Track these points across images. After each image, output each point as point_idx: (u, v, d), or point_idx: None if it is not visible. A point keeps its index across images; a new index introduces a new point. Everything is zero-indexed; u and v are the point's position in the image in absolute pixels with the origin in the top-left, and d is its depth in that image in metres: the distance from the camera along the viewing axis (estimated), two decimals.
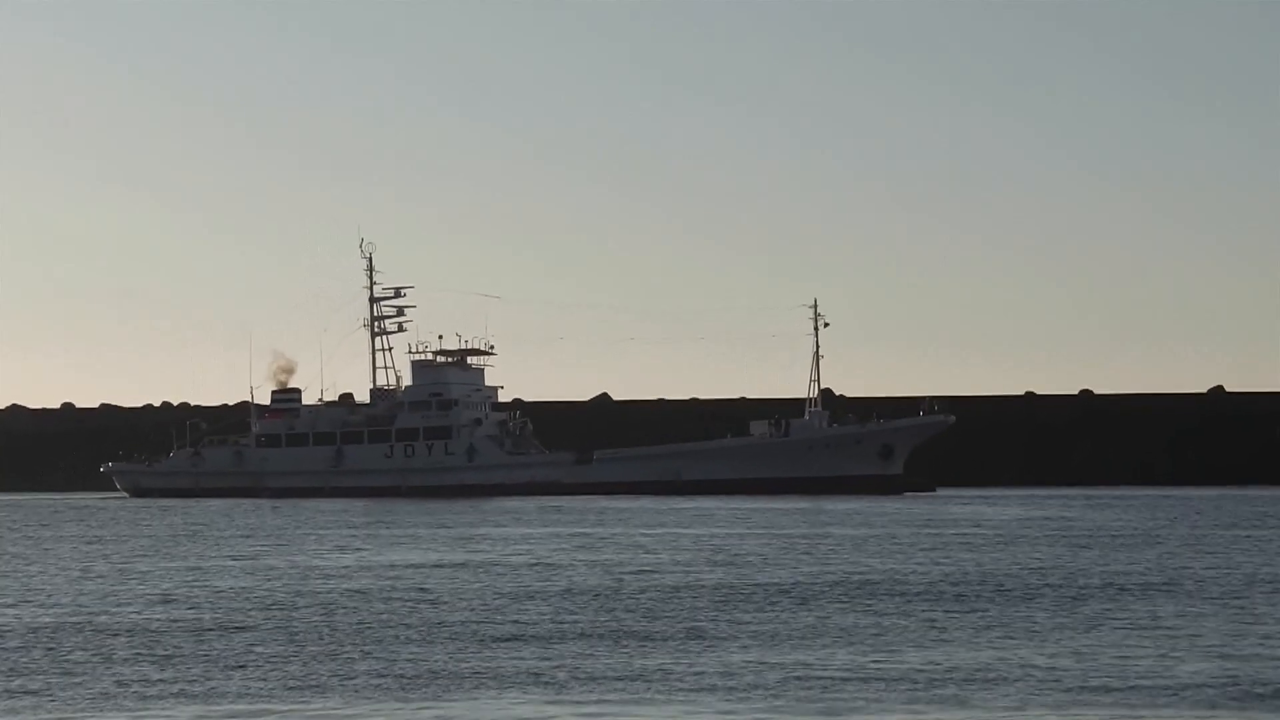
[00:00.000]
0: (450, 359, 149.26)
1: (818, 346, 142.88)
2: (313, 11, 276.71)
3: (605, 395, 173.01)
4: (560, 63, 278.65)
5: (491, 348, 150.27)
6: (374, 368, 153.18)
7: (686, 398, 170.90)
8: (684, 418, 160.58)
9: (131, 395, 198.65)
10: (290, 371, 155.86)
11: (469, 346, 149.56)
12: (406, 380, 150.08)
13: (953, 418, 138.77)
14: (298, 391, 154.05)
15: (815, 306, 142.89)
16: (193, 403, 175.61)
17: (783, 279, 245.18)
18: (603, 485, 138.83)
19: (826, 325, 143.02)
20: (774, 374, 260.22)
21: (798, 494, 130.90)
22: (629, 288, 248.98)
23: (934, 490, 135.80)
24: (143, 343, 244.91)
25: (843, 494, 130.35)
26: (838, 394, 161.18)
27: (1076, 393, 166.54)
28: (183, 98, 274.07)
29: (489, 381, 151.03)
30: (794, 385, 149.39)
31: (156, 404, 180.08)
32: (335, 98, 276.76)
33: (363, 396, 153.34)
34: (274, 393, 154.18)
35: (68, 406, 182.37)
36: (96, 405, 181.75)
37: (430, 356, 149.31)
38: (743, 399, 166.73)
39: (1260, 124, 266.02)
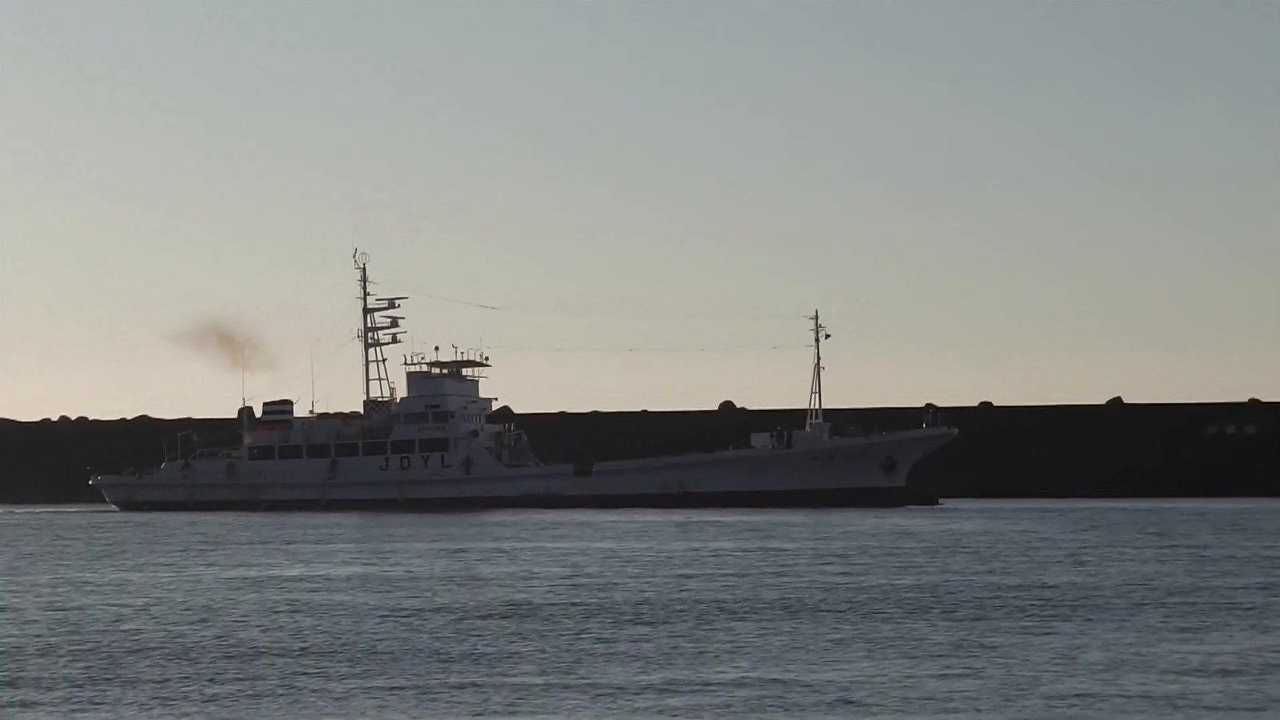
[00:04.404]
0: (445, 370, 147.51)
1: (819, 358, 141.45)
2: (307, 12, 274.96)
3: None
4: (560, 63, 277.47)
5: (486, 359, 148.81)
6: (368, 379, 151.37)
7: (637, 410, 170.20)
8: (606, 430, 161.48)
9: (99, 408, 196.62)
10: (230, 338, 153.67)
11: (464, 358, 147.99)
12: (401, 392, 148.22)
13: (955, 430, 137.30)
14: (290, 403, 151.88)
15: (816, 318, 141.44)
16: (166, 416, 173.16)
17: (782, 280, 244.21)
18: (603, 498, 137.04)
19: (828, 337, 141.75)
20: (768, 383, 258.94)
21: (800, 507, 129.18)
22: (622, 295, 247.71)
23: (937, 503, 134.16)
24: (115, 355, 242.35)
25: (845, 506, 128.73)
26: (738, 407, 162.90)
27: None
28: (169, 103, 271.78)
29: (483, 393, 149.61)
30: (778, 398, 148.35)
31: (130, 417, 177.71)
32: (329, 99, 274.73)
33: (356, 408, 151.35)
34: (266, 404, 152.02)
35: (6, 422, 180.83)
36: (56, 418, 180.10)
37: (425, 368, 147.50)
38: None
39: (1259, 124, 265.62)
